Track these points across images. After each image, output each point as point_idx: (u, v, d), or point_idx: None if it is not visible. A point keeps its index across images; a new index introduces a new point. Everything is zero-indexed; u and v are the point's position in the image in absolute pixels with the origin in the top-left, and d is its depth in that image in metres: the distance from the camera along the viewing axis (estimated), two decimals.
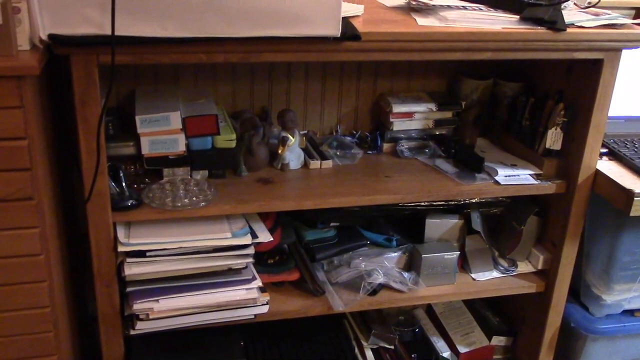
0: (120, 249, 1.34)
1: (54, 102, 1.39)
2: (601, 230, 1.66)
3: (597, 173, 1.56)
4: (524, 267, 1.74)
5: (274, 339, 1.72)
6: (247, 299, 1.45)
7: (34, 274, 1.22)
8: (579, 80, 1.54)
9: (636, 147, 1.65)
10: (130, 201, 1.35)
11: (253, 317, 1.49)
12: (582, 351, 1.75)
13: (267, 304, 1.48)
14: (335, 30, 1.21)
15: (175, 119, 1.42)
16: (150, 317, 1.38)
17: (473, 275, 1.71)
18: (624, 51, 1.45)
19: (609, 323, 1.73)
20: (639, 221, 1.59)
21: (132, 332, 1.41)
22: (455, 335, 1.94)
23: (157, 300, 1.39)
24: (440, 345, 1.92)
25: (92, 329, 1.57)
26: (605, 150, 1.64)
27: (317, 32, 1.21)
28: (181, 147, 1.45)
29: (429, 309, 2.07)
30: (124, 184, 1.37)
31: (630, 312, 1.75)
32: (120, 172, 1.38)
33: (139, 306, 1.38)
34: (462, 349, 1.89)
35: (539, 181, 1.58)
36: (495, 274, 1.72)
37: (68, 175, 1.54)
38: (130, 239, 1.35)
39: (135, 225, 1.39)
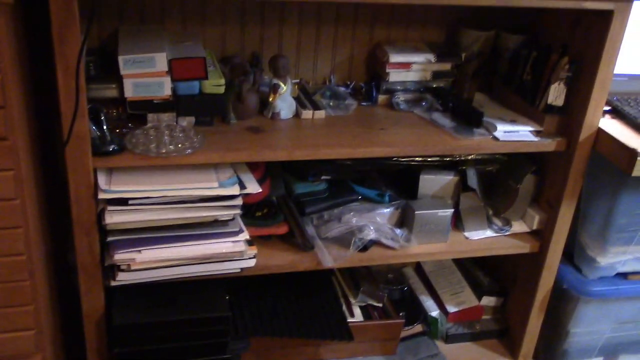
0: (101, 196, 1.27)
1: (32, 39, 1.31)
2: (599, 191, 1.62)
3: (600, 131, 1.51)
4: (518, 227, 1.70)
5: (260, 294, 1.68)
6: (233, 252, 1.39)
7: (8, 220, 1.15)
8: (585, 33, 1.48)
9: None
10: (112, 146, 1.28)
11: (239, 270, 1.44)
12: (574, 313, 1.73)
13: (254, 257, 1.43)
14: None
15: (160, 61, 1.34)
16: (132, 268, 1.33)
17: (466, 234, 1.67)
18: (635, 3, 1.38)
19: (602, 285, 1.70)
20: (638, 182, 1.55)
21: (113, 283, 1.36)
22: (445, 295, 1.91)
23: (139, 251, 1.33)
24: (429, 304, 1.89)
25: (71, 280, 1.51)
26: (608, 108, 1.58)
27: None
28: (167, 91, 1.37)
29: (418, 268, 2.04)
30: (105, 128, 1.30)
31: (623, 275, 1.72)
32: (102, 115, 1.31)
33: (120, 256, 1.32)
34: (451, 309, 1.86)
35: (538, 138, 1.53)
36: (488, 233, 1.68)
37: (48, 118, 1.46)
38: (111, 186, 1.28)
39: (117, 172, 1.33)
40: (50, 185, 1.47)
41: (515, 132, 1.53)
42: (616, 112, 1.59)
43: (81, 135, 1.21)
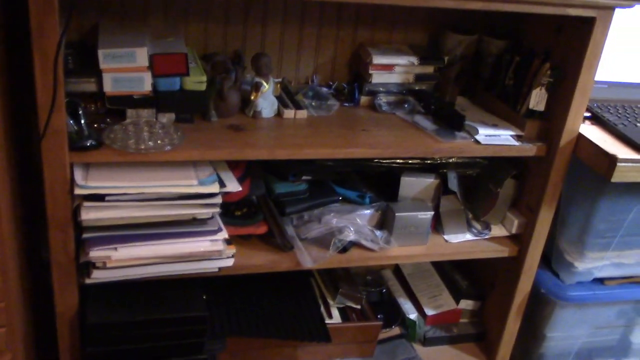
0: (77, 191, 1.25)
1: (9, 30, 1.28)
2: (578, 197, 1.63)
3: (580, 137, 1.51)
4: (497, 230, 1.70)
5: (237, 294, 1.66)
6: (211, 251, 1.37)
7: None
8: (568, 40, 1.48)
9: (619, 113, 1.61)
10: (90, 141, 1.26)
11: (217, 270, 1.42)
12: (551, 317, 1.73)
13: (232, 257, 1.41)
14: None
15: (141, 56, 1.31)
16: (108, 265, 1.30)
17: (446, 237, 1.67)
18: (616, 11, 1.39)
19: (579, 290, 1.71)
20: (617, 188, 1.56)
21: (88, 281, 1.33)
22: (423, 298, 1.91)
23: (115, 248, 1.31)
24: (408, 306, 1.89)
25: (45, 277, 1.48)
26: (588, 114, 1.59)
27: None
28: (147, 87, 1.35)
29: (396, 270, 2.04)
30: (83, 123, 1.27)
31: (600, 281, 1.74)
32: (80, 109, 1.28)
33: (95, 254, 1.29)
34: (429, 312, 1.86)
35: (519, 142, 1.53)
36: (468, 236, 1.68)
37: (24, 111, 1.43)
38: (88, 182, 1.25)
39: (94, 168, 1.30)
40: (25, 180, 1.44)
41: (496, 136, 1.53)
42: (596, 119, 1.59)
43: (58, 130, 1.19)
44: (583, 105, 1.48)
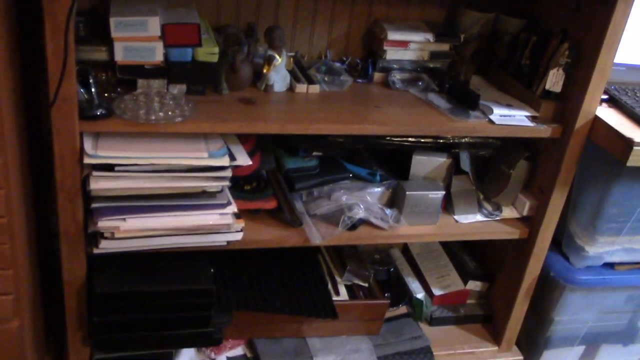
0: (87, 160, 1.24)
1: None
2: (592, 180, 1.61)
3: (596, 119, 1.49)
4: (508, 212, 1.68)
5: (245, 269, 1.66)
6: (220, 224, 1.37)
7: None
8: (587, 19, 1.45)
9: (637, 96, 1.58)
10: (100, 110, 1.25)
11: (225, 244, 1.41)
12: (559, 301, 1.72)
13: (241, 231, 1.40)
14: None
15: (153, 25, 1.30)
16: (116, 236, 1.30)
17: (456, 217, 1.65)
18: None
19: (589, 274, 1.70)
20: (632, 172, 1.54)
21: (95, 251, 1.33)
22: (431, 277, 1.90)
23: (124, 219, 1.30)
24: (415, 286, 1.89)
25: (54, 247, 1.48)
26: (605, 97, 1.56)
27: None
28: (158, 57, 1.33)
29: (405, 250, 2.03)
30: (93, 91, 1.26)
31: (610, 265, 1.72)
32: (90, 78, 1.26)
33: (104, 224, 1.29)
34: (437, 292, 1.86)
35: (534, 123, 1.51)
36: (478, 217, 1.66)
37: (36, 78, 1.42)
38: (97, 151, 1.24)
39: (104, 137, 1.29)
40: (36, 149, 1.43)
41: (511, 117, 1.51)
42: (613, 101, 1.56)
43: (68, 97, 1.17)
44: (601, 87, 1.46)
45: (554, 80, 1.50)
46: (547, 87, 1.51)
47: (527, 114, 1.53)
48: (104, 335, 1.42)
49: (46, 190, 1.53)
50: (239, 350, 1.65)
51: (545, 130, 1.51)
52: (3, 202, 1.15)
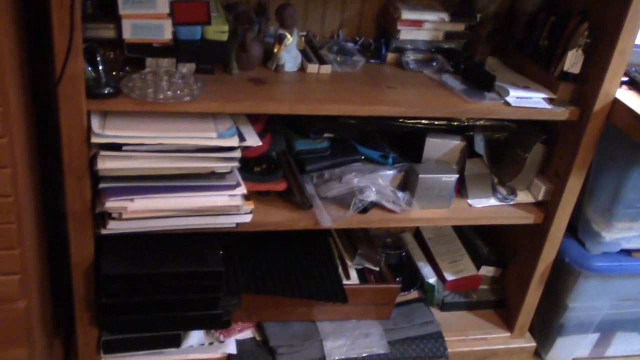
0: (94, 140, 1.22)
1: None
2: (609, 164, 1.57)
3: (615, 102, 1.45)
4: (523, 196, 1.65)
5: (254, 251, 1.64)
6: (229, 205, 1.35)
7: None
8: None
9: None
10: (108, 89, 1.23)
11: (235, 225, 1.39)
12: (574, 287, 1.69)
13: (250, 212, 1.38)
14: None
15: (161, 2, 1.27)
16: (124, 216, 1.28)
17: (469, 201, 1.62)
18: None
19: (605, 261, 1.66)
20: None
21: (103, 232, 1.32)
22: (443, 262, 1.87)
23: (132, 199, 1.28)
24: (427, 270, 1.86)
25: (62, 229, 1.47)
26: (625, 79, 1.52)
27: None
28: (167, 35, 1.31)
29: (417, 234, 2.00)
30: (101, 70, 1.24)
31: (627, 252, 1.69)
32: (98, 55, 1.24)
33: (111, 204, 1.27)
34: (449, 276, 1.83)
35: (551, 106, 1.47)
36: (492, 201, 1.63)
37: (42, 61, 1.40)
38: (105, 130, 1.23)
39: (111, 116, 1.27)
40: (44, 130, 1.42)
41: (527, 99, 1.47)
42: (634, 84, 1.53)
43: (75, 75, 1.16)
44: (621, 68, 1.42)
45: (573, 62, 1.46)
46: (565, 68, 1.47)
47: (544, 95, 1.49)
48: (112, 317, 1.42)
49: (55, 172, 1.52)
50: (248, 333, 1.64)
51: (562, 113, 1.47)
52: (9, 181, 1.14)
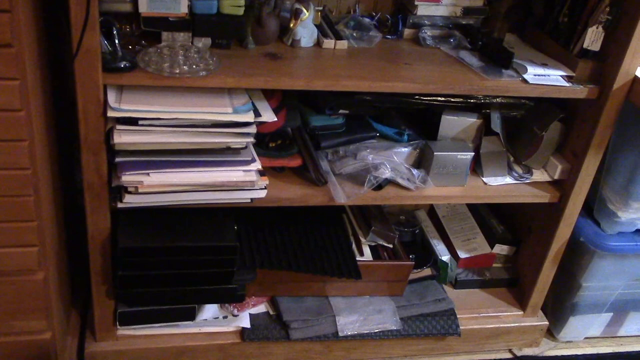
0: (110, 114, 1.22)
1: None
2: (627, 143, 1.55)
3: (636, 80, 1.43)
4: (539, 175, 1.64)
5: (269, 227, 1.65)
6: (244, 181, 1.35)
7: (13, 132, 1.12)
8: None
9: None
10: (124, 62, 1.22)
11: (249, 201, 1.40)
12: (588, 267, 1.69)
13: (265, 188, 1.39)
14: None
15: None
16: (140, 190, 1.29)
17: (485, 179, 1.62)
18: None
19: (621, 241, 1.65)
20: None
21: (120, 205, 1.32)
22: (457, 240, 1.87)
23: (148, 174, 1.29)
24: (440, 248, 1.86)
25: (79, 203, 1.48)
26: None
27: None
28: (183, 9, 1.30)
29: (431, 212, 2.00)
30: (117, 43, 1.23)
31: None
32: (114, 29, 1.24)
33: (128, 178, 1.28)
34: (462, 255, 1.83)
35: (570, 84, 1.45)
36: (508, 179, 1.63)
37: (60, 30, 1.40)
38: (121, 104, 1.23)
39: (127, 90, 1.27)
40: (62, 105, 1.42)
41: (546, 76, 1.45)
42: None
43: (91, 49, 1.15)
44: None
45: (593, 39, 1.44)
46: (585, 45, 1.45)
47: (563, 73, 1.47)
48: (128, 289, 1.43)
49: (72, 148, 1.53)
50: (261, 308, 1.65)
51: (581, 91, 1.45)
52: (27, 153, 1.14)
